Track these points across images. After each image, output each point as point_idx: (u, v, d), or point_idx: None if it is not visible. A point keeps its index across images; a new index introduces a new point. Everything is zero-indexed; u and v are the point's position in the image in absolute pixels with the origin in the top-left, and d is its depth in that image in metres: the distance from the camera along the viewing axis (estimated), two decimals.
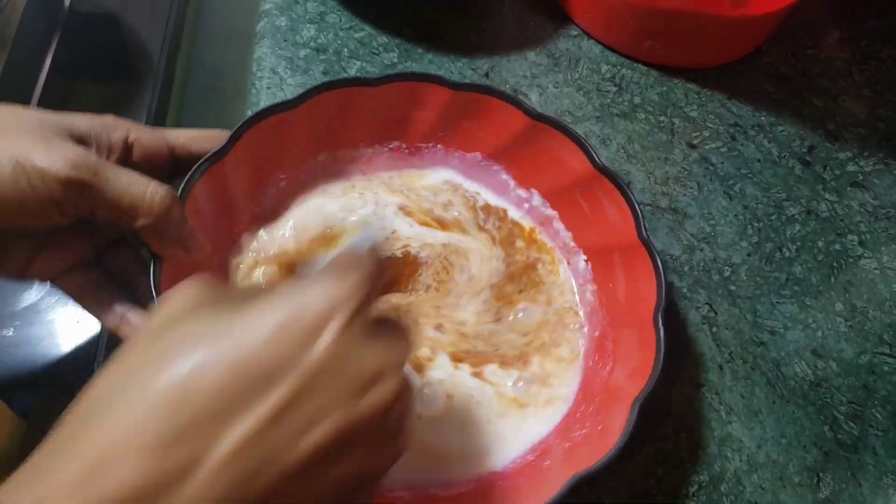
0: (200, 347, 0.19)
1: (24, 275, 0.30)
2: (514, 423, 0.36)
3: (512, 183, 0.42)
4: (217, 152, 0.33)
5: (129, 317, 0.32)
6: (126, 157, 0.30)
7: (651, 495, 0.36)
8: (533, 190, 0.41)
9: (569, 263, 0.41)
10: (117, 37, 0.52)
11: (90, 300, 0.32)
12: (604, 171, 0.37)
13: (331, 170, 0.40)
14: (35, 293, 0.41)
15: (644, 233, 0.35)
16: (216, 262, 0.36)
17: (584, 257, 0.40)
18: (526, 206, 0.42)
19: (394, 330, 0.23)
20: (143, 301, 0.33)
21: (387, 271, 0.24)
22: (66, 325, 0.41)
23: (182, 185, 0.32)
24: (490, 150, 0.41)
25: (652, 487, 0.37)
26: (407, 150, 0.41)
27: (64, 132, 0.27)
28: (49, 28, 0.48)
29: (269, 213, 0.39)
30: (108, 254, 0.33)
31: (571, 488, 0.29)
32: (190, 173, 0.32)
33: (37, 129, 0.26)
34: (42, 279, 0.31)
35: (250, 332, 0.19)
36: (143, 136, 0.31)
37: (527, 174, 0.41)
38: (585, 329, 0.39)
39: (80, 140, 0.28)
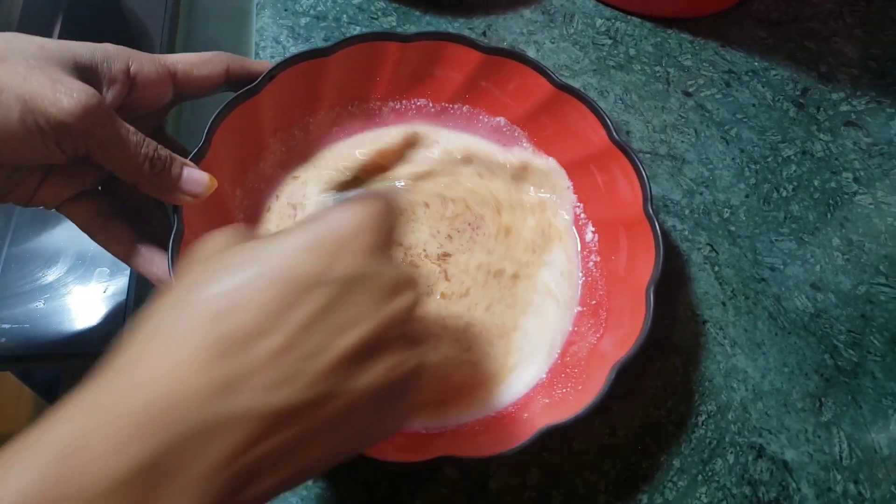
0: (242, 267, 0.21)
1: (31, 202, 0.30)
2: (504, 376, 0.37)
3: (531, 150, 0.42)
4: (250, 89, 0.35)
5: (140, 249, 0.32)
6: (129, 88, 0.30)
7: (661, 425, 0.38)
8: (551, 159, 0.42)
9: (577, 233, 0.41)
10: (119, 17, 0.52)
11: (100, 232, 0.32)
12: (620, 145, 0.37)
13: (358, 119, 0.42)
14: (62, 266, 0.43)
15: (650, 208, 0.36)
16: (238, 193, 0.38)
17: (593, 229, 0.41)
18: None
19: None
20: (156, 229, 0.34)
21: (402, 209, 0.26)
22: (94, 297, 0.42)
23: (212, 119, 0.34)
24: (514, 116, 0.42)
25: (662, 418, 0.38)
26: (433, 109, 0.42)
27: (68, 63, 0.27)
28: (52, 10, 0.49)
29: (297, 155, 0.40)
30: (117, 181, 0.32)
31: (540, 437, 0.31)
32: (222, 106, 0.34)
33: (42, 62, 0.26)
34: (48, 206, 0.31)
35: (287, 251, 0.21)
36: (145, 66, 0.31)
37: (546, 143, 0.42)
38: (580, 297, 0.40)
39: (84, 71, 0.28)
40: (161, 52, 0.51)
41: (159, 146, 0.30)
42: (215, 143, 0.34)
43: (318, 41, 0.46)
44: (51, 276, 0.42)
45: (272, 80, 0.35)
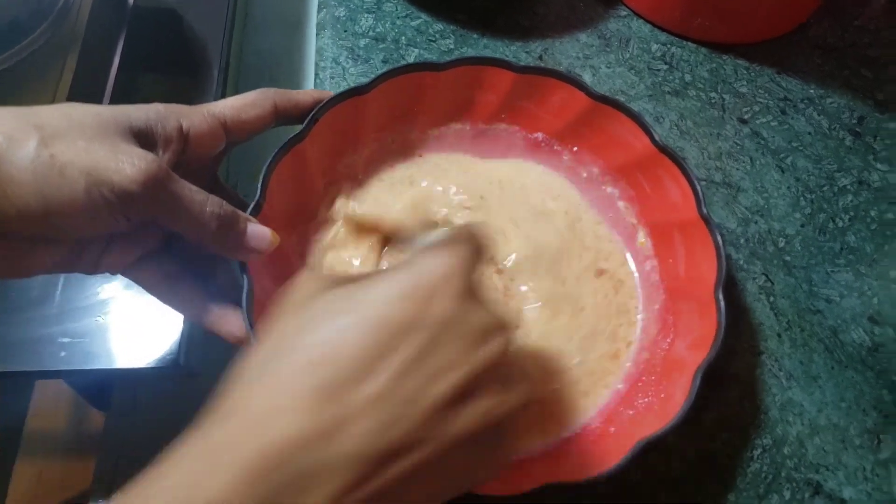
0: (340, 314, 0.22)
1: (97, 270, 0.30)
2: (582, 390, 0.38)
3: (572, 162, 0.43)
4: (297, 134, 0.35)
5: (212, 308, 0.32)
6: (184, 146, 0.30)
7: (717, 458, 0.38)
8: (594, 168, 0.42)
9: (629, 241, 0.42)
10: (179, 30, 0.53)
11: (169, 294, 0.32)
12: (664, 149, 0.38)
13: (399, 150, 0.42)
14: (120, 281, 0.43)
15: (704, 209, 0.36)
16: (294, 239, 0.38)
17: (645, 232, 0.41)
18: (585, 185, 0.43)
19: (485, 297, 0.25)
20: (222, 285, 0.34)
21: (487, 248, 0.26)
22: (150, 312, 0.43)
23: (265, 169, 0.34)
24: (552, 131, 0.42)
25: (717, 451, 0.38)
26: (470, 132, 0.43)
27: (125, 130, 0.27)
28: (116, 25, 0.50)
29: (344, 190, 0.40)
30: (179, 241, 0.32)
31: (640, 452, 0.31)
32: (272, 156, 0.34)
33: (100, 132, 0.26)
34: (114, 272, 0.31)
35: (381, 298, 0.22)
36: (196, 120, 0.30)
37: (588, 154, 0.42)
38: (642, 303, 0.40)
39: (141, 136, 0.28)
40: (220, 66, 0.52)
41: (223, 202, 0.29)
42: (269, 193, 0.34)
43: (376, 63, 0.47)
44: (108, 291, 0.43)
45: (316, 123, 0.35)
